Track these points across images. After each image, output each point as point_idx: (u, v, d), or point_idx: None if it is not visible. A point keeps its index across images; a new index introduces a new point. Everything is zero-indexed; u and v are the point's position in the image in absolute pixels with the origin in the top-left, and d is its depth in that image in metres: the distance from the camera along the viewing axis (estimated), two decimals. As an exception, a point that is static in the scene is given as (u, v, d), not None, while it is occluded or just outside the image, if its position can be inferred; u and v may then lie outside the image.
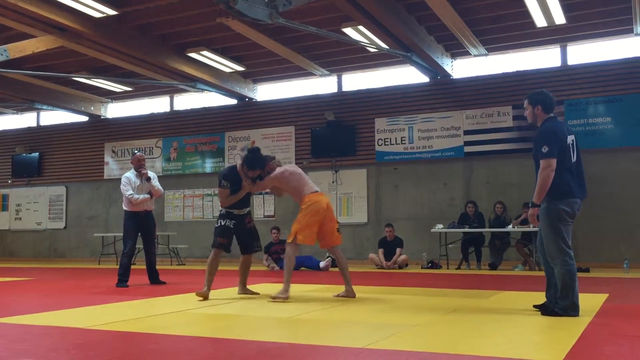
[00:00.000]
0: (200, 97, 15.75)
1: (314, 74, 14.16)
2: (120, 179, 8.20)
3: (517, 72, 12.55)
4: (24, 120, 18.35)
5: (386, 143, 13.31)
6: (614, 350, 3.46)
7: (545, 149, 4.67)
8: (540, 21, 10.62)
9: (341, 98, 14.08)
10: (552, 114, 4.93)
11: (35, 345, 3.68)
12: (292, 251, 6.01)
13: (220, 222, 6.40)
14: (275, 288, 7.31)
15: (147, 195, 7.94)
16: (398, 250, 11.59)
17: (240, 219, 6.47)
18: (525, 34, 11.75)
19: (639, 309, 5.40)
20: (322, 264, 11.31)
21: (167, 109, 16.25)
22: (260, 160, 6.27)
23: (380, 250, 11.77)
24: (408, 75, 13.58)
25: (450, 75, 12.96)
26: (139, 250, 9.00)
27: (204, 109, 15.55)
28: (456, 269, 11.40)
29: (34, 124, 18.03)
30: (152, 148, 15.80)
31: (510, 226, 10.78)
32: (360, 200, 13.54)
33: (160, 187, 8.16)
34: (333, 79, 14.31)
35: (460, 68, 13.16)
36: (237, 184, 6.27)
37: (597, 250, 11.50)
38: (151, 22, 11.41)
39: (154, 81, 14.05)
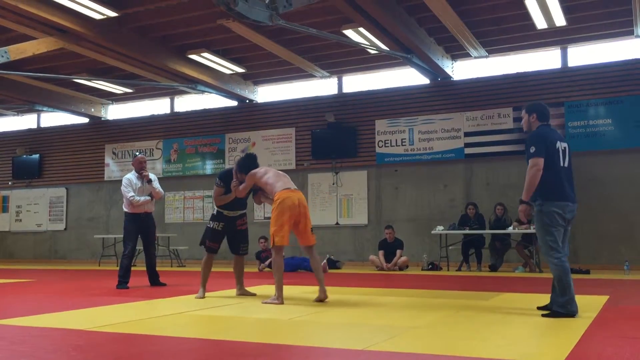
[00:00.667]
0: (201, 98, 15.76)
1: (315, 76, 14.17)
2: (120, 180, 8.20)
3: (518, 73, 12.56)
4: (24, 121, 18.36)
5: (386, 145, 13.31)
6: (614, 352, 3.45)
7: (532, 149, 4.86)
8: (540, 23, 10.63)
9: (341, 100, 14.09)
10: (545, 122, 5.14)
11: (35, 347, 3.68)
12: (277, 257, 5.80)
13: (210, 224, 6.59)
14: (273, 289, 7.30)
15: (148, 197, 7.94)
16: (398, 251, 11.59)
17: (230, 220, 6.53)
18: (525, 36, 11.76)
19: (640, 311, 5.40)
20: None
21: (168, 111, 16.26)
22: (252, 165, 6.29)
23: (381, 252, 11.76)
24: (408, 77, 13.59)
25: (450, 77, 12.96)
26: (139, 252, 9.00)
27: (205, 110, 15.56)
28: (456, 270, 11.39)
29: (35, 126, 18.04)
30: (153, 149, 15.81)
31: (511, 228, 10.77)
32: (361, 201, 13.54)
33: (160, 189, 8.16)
34: (333, 80, 14.32)
35: (461, 70, 13.17)
36: (229, 184, 6.35)
37: (598, 252, 11.50)
38: (152, 24, 11.42)
39: (155, 83, 14.06)
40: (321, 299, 5.89)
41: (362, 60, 13.31)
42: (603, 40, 11.93)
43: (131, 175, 8.03)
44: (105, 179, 16.35)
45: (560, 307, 4.74)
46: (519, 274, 10.53)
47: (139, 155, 8.24)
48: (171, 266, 13.63)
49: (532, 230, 10.59)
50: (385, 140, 13.34)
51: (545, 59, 12.65)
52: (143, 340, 3.96)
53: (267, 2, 6.99)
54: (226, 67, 13.33)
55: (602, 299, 6.00)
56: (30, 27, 10.71)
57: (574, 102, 11.92)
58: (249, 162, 6.33)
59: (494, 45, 12.24)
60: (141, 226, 7.93)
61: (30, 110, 17.41)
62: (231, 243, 6.70)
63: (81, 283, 8.97)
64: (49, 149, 17.34)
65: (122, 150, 16.27)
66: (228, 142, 14.98)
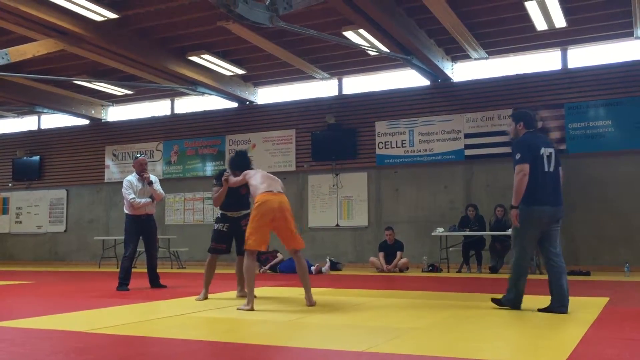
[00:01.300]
0: (201, 100, 15.76)
1: (315, 77, 14.17)
2: (120, 182, 8.20)
3: (518, 75, 12.56)
4: (24, 123, 18.36)
5: (387, 146, 13.31)
6: (615, 353, 3.45)
7: (518, 156, 5.16)
8: (540, 24, 10.63)
9: (342, 101, 14.09)
10: (532, 130, 5.41)
11: (35, 349, 3.68)
12: (249, 260, 5.60)
13: (215, 227, 6.64)
14: (273, 291, 7.31)
15: (149, 199, 7.93)
16: (398, 253, 11.58)
17: (235, 221, 6.56)
18: (525, 37, 11.76)
19: (640, 313, 5.39)
20: (312, 268, 11.22)
21: (168, 112, 16.26)
22: (241, 163, 6.33)
23: (381, 254, 11.76)
24: (408, 78, 13.59)
25: (450, 79, 12.97)
26: (140, 254, 9.00)
27: (205, 112, 15.56)
28: (457, 272, 11.38)
29: (35, 128, 18.05)
30: (153, 151, 15.81)
31: (511, 229, 10.74)
32: (361, 203, 13.53)
33: (161, 191, 8.15)
34: (334, 82, 14.32)
35: (461, 71, 13.18)
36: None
37: (598, 254, 11.49)
38: (152, 26, 11.42)
39: (155, 84, 14.07)
40: (309, 305, 5.72)
41: (362, 62, 13.31)
42: (603, 41, 11.93)
43: (132, 177, 8.03)
44: (106, 180, 16.34)
45: (506, 301, 5.30)
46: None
47: (140, 157, 8.21)
48: (171, 268, 13.62)
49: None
50: (385, 142, 13.34)
51: (545, 61, 12.66)
52: (143, 342, 3.96)
53: (267, 3, 7.00)
54: (226, 68, 13.33)
55: (603, 301, 6.01)
56: (31, 28, 10.72)
57: (574, 103, 11.92)
58: (239, 159, 6.39)
59: (494, 46, 12.24)
60: (142, 228, 7.93)
61: (30, 112, 17.40)
62: (237, 244, 6.67)
63: (81, 285, 8.97)
64: (49, 151, 17.34)
65: (122, 152, 16.27)
66: (228, 144, 14.98)
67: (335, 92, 14.30)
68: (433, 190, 12.93)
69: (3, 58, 10.95)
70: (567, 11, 10.26)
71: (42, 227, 17.14)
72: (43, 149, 17.42)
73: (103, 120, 16.92)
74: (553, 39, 11.77)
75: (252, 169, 6.32)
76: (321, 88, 14.54)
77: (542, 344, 3.81)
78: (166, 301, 6.43)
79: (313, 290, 6.47)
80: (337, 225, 13.68)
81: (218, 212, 6.74)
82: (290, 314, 5.21)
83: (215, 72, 13.54)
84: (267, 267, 11.58)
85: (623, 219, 11.37)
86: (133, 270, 7.95)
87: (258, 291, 7.04)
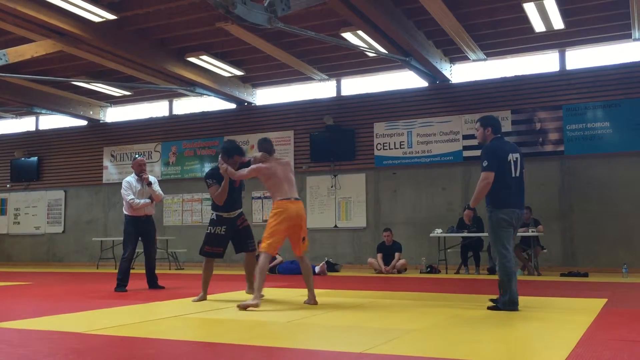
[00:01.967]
0: (199, 101, 15.76)
1: (313, 79, 14.18)
2: (119, 183, 8.20)
3: (516, 77, 12.58)
4: (22, 124, 18.34)
5: (385, 147, 13.32)
6: (613, 355, 3.46)
7: (485, 163, 5.40)
8: (538, 26, 10.64)
9: (340, 102, 14.10)
10: (499, 135, 5.66)
11: (33, 350, 3.67)
12: (263, 260, 5.71)
13: (210, 230, 6.47)
14: (272, 292, 7.31)
15: (148, 200, 7.93)
16: (397, 254, 11.59)
17: (231, 222, 6.48)
18: (523, 39, 11.78)
19: (638, 314, 5.40)
20: (317, 269, 11.28)
21: (166, 113, 16.25)
22: (236, 147, 6.45)
23: (379, 255, 11.77)
24: (407, 79, 13.60)
25: (449, 80, 12.98)
26: (138, 255, 8.99)
27: (203, 113, 15.56)
28: (455, 273, 11.39)
29: (33, 128, 18.03)
30: (151, 152, 15.80)
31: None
32: (359, 204, 13.53)
33: (161, 192, 8.15)
34: (332, 83, 14.32)
35: (459, 73, 13.19)
36: (222, 180, 6.30)
37: (596, 255, 11.51)
38: (150, 27, 11.42)
39: (153, 85, 14.06)
40: (311, 304, 5.88)
41: (360, 63, 13.32)
42: (601, 43, 11.96)
43: (131, 178, 8.02)
44: (104, 181, 16.33)
45: (503, 305, 5.32)
46: (518, 276, 10.50)
47: (139, 158, 8.21)
48: (169, 269, 13.61)
49: (530, 233, 10.63)
50: (383, 143, 13.35)
51: (543, 62, 12.68)
52: (141, 343, 3.96)
53: (265, 5, 7.00)
54: (225, 69, 13.32)
55: (601, 302, 6.01)
56: (29, 29, 10.71)
57: (572, 105, 11.94)
58: (231, 145, 6.52)
59: (493, 48, 12.26)
60: (141, 229, 7.92)
61: (28, 113, 17.38)
62: (236, 243, 6.64)
63: (79, 286, 8.96)
64: (47, 152, 17.32)
65: (120, 153, 16.26)
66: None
67: (334, 94, 14.31)
68: (431, 192, 12.94)
69: (1, 59, 10.93)
70: (565, 13, 10.27)
71: (40, 228, 17.12)
72: (41, 149, 17.41)
73: (101, 121, 16.91)
74: (551, 40, 11.78)
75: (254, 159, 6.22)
76: (320, 89, 14.55)
77: (540, 345, 3.81)
78: (164, 302, 6.43)
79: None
80: (336, 226, 13.69)
81: (211, 214, 6.58)
82: (289, 315, 5.21)
83: (214, 73, 13.54)
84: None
85: (621, 220, 11.39)
86: (131, 271, 7.94)
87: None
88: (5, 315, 5.23)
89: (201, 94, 14.31)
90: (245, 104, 15.03)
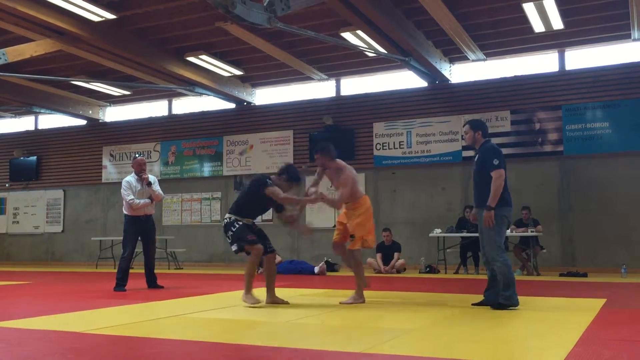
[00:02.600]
0: (199, 101, 15.75)
1: (313, 79, 14.17)
2: (118, 182, 8.19)
3: (515, 77, 12.59)
4: (22, 123, 18.34)
5: (384, 147, 13.32)
6: (612, 354, 3.46)
7: (496, 162, 5.57)
8: (538, 26, 10.65)
9: (339, 102, 14.10)
10: (488, 138, 5.91)
11: (32, 350, 3.67)
12: (359, 257, 6.16)
13: (237, 225, 5.82)
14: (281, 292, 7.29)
15: (148, 200, 7.92)
16: (396, 254, 11.59)
17: (250, 226, 6.08)
18: (523, 39, 11.78)
19: (637, 314, 5.41)
20: (316, 269, 11.32)
21: (166, 113, 16.25)
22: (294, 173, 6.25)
23: (378, 255, 11.77)
24: (406, 79, 13.60)
25: (448, 80, 12.98)
26: (137, 254, 8.99)
27: (202, 113, 15.55)
28: (454, 273, 11.40)
29: (32, 128, 18.02)
30: (150, 152, 15.79)
31: (509, 231, 10.77)
32: (359, 204, 13.51)
33: (160, 191, 8.14)
34: (331, 83, 14.32)
35: (459, 73, 13.19)
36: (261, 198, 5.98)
37: (595, 255, 11.51)
38: (150, 26, 11.42)
39: (153, 85, 14.05)
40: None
41: (360, 63, 13.32)
42: (600, 43, 11.96)
43: (131, 178, 8.01)
44: (103, 181, 16.32)
45: (506, 300, 5.36)
46: (516, 276, 10.47)
47: (139, 157, 8.20)
48: (168, 268, 13.61)
49: (529, 233, 10.64)
50: (383, 143, 13.35)
51: (542, 62, 12.68)
52: (140, 342, 3.95)
53: (265, 4, 7.00)
54: (224, 69, 13.32)
55: (600, 302, 6.01)
56: (28, 29, 10.70)
57: (571, 105, 11.94)
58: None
59: (492, 48, 12.26)
60: (141, 229, 7.91)
61: (27, 112, 17.37)
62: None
63: (78, 285, 8.95)
64: (46, 151, 17.31)
65: (119, 152, 16.25)
66: (226, 145, 14.97)
67: (333, 93, 14.31)
68: (430, 192, 12.94)
69: (0, 58, 10.92)
70: (564, 13, 10.28)
71: (40, 228, 17.11)
72: (40, 149, 17.40)
73: (100, 121, 16.91)
74: (550, 40, 11.79)
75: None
76: (319, 89, 14.55)
77: (540, 344, 3.81)
78: (163, 302, 6.42)
79: (309, 292, 6.50)
80: (334, 226, 13.64)
81: (229, 218, 5.92)
82: (288, 315, 5.20)
83: (213, 73, 13.53)
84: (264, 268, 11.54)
85: (620, 220, 11.39)
86: (130, 270, 7.93)
87: (256, 292, 7.03)
88: (4, 315, 5.23)
89: (200, 94, 14.30)
90: (245, 103, 15.03)
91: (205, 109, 15.60)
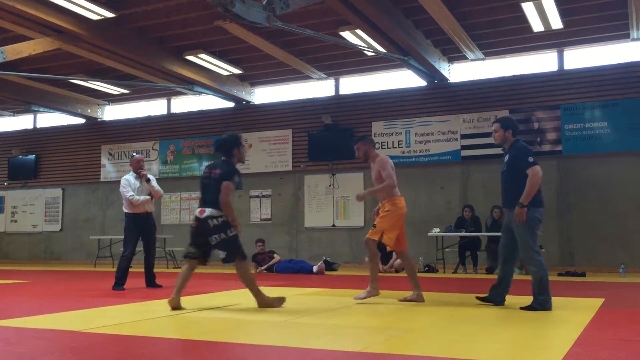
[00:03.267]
0: (198, 100, 15.74)
1: (312, 77, 14.17)
2: (116, 181, 8.20)
3: (514, 76, 12.59)
4: (20, 122, 18.32)
5: (383, 147, 13.31)
6: (610, 354, 3.46)
7: (531, 159, 5.37)
8: (537, 26, 10.65)
9: (338, 101, 14.09)
10: (517, 137, 5.69)
11: (30, 349, 3.67)
12: (374, 248, 6.09)
13: (232, 231, 5.46)
14: (270, 291, 7.29)
15: (148, 197, 7.93)
16: (394, 254, 11.58)
17: (201, 221, 5.55)
18: (522, 39, 11.78)
19: (635, 314, 5.41)
20: (315, 268, 11.31)
21: (164, 112, 16.24)
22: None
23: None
24: (405, 79, 13.60)
25: (447, 79, 12.98)
26: (137, 253, 8.98)
27: (201, 111, 15.55)
28: (453, 272, 11.40)
29: (31, 126, 18.00)
30: (149, 151, 15.78)
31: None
32: (357, 203, 13.46)
33: (159, 188, 8.17)
34: (330, 82, 14.32)
35: (457, 72, 13.20)
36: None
37: (593, 255, 11.52)
38: (149, 25, 11.41)
39: (151, 84, 14.04)
40: (419, 300, 6.07)
41: (359, 62, 13.31)
42: (599, 43, 11.97)
43: (129, 176, 8.02)
44: (102, 179, 16.31)
45: (539, 304, 5.24)
46: (515, 276, 10.51)
47: (137, 155, 8.23)
48: (167, 267, 13.60)
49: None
50: (381, 142, 13.34)
51: (541, 62, 12.69)
52: (139, 341, 3.95)
53: (264, 3, 6.99)
54: (223, 68, 13.31)
55: (598, 302, 6.02)
56: (27, 27, 10.69)
57: (570, 104, 11.94)
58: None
59: (491, 47, 12.26)
60: (142, 227, 7.91)
61: (26, 111, 17.37)
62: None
63: (77, 284, 8.95)
64: (45, 150, 17.30)
65: (118, 151, 16.24)
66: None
67: (332, 92, 14.31)
68: (429, 191, 12.94)
69: (-1, 56, 10.92)
70: (563, 13, 10.28)
71: (38, 226, 17.10)
72: (39, 147, 17.38)
73: (99, 119, 16.90)
74: (549, 40, 11.79)
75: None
76: (318, 88, 14.54)
77: (538, 344, 3.82)
78: (162, 301, 6.40)
79: (307, 291, 6.50)
80: (334, 225, 13.68)
81: (219, 216, 5.47)
82: (286, 314, 5.20)
83: (212, 72, 13.53)
84: (264, 267, 11.57)
85: (618, 220, 11.40)
86: (129, 270, 7.92)
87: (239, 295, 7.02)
88: (2, 314, 5.22)
89: (199, 93, 14.30)
90: (244, 102, 15.02)
91: (204, 108, 15.60)
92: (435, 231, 11.57)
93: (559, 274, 10.65)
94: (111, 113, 17.08)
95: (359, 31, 10.65)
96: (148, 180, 7.98)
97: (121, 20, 11.01)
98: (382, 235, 6.00)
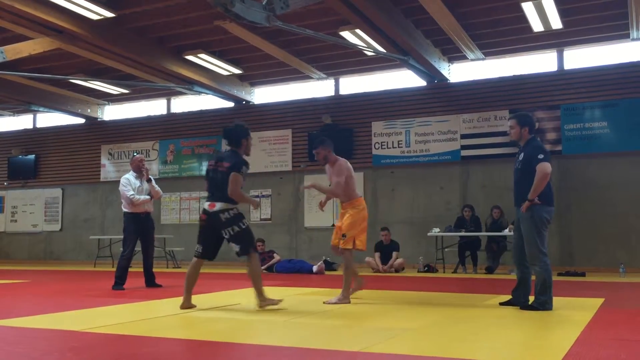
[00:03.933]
0: (197, 99, 15.74)
1: (311, 77, 14.17)
2: (116, 181, 8.20)
3: (514, 76, 12.59)
4: (20, 122, 18.31)
5: (383, 147, 13.32)
6: (610, 354, 3.46)
7: (541, 156, 5.30)
8: (537, 26, 10.65)
9: (338, 101, 14.09)
10: (533, 135, 5.61)
11: (30, 348, 3.67)
12: (350, 257, 5.98)
13: (244, 223, 5.44)
14: (270, 291, 7.30)
15: (148, 197, 7.94)
16: (394, 254, 11.59)
17: (211, 215, 5.49)
18: (522, 39, 11.78)
19: (635, 313, 5.41)
20: (315, 268, 11.33)
21: (164, 112, 16.23)
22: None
23: (377, 254, 11.77)
24: (405, 79, 13.60)
25: (447, 79, 12.98)
26: (136, 253, 8.98)
27: (201, 111, 15.54)
28: (452, 272, 11.40)
29: (31, 126, 18.00)
30: (149, 150, 15.78)
31: (507, 230, 10.79)
32: (357, 203, 13.51)
33: (159, 189, 8.19)
34: (330, 82, 14.32)
35: (457, 72, 13.19)
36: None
37: (593, 255, 11.52)
38: (148, 25, 11.40)
39: (151, 84, 14.04)
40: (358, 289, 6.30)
41: (358, 62, 13.31)
42: (599, 43, 11.96)
43: (129, 176, 8.03)
44: (102, 179, 16.31)
45: (540, 304, 5.23)
46: (515, 276, 10.52)
47: (138, 155, 8.25)
48: (167, 267, 13.60)
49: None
50: (381, 142, 13.35)
51: (541, 62, 12.69)
52: (139, 341, 3.95)
53: (264, 3, 6.99)
54: (223, 68, 13.31)
55: (598, 302, 6.02)
56: (27, 27, 10.68)
57: (570, 104, 11.94)
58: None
59: (491, 47, 12.26)
60: (141, 226, 7.92)
61: (26, 111, 17.37)
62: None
63: (77, 284, 8.95)
64: (44, 150, 17.30)
65: (118, 151, 16.24)
66: (224, 144, 14.87)
67: (332, 92, 14.30)
68: (429, 191, 12.94)
69: (-1, 56, 10.92)
70: (563, 12, 10.28)
71: (38, 226, 17.09)
72: (39, 147, 17.38)
73: (99, 119, 16.89)
74: (549, 40, 11.79)
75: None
76: (318, 88, 14.54)
77: (537, 344, 3.82)
78: (161, 300, 6.42)
79: (307, 290, 6.51)
80: (333, 225, 13.57)
81: (231, 209, 5.42)
82: (286, 314, 5.20)
83: (212, 72, 13.52)
84: (264, 267, 11.55)
85: (618, 220, 11.40)
86: (129, 269, 7.92)
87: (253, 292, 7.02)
88: (2, 314, 5.22)
89: (199, 93, 14.30)
90: (244, 102, 15.02)
91: (203, 108, 15.59)
92: (435, 231, 11.57)
93: (559, 274, 10.64)
94: (111, 113, 17.08)
95: (358, 31, 10.65)
96: (150, 179, 7.99)
97: (121, 20, 11.00)
98: (355, 241, 6.00)
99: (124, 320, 4.81)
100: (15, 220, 17.45)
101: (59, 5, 9.92)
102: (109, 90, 15.22)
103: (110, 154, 16.34)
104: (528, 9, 9.87)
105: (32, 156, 17.30)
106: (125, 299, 6.45)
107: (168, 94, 15.88)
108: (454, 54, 12.68)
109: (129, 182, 7.91)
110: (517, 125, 5.55)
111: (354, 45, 11.18)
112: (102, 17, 10.46)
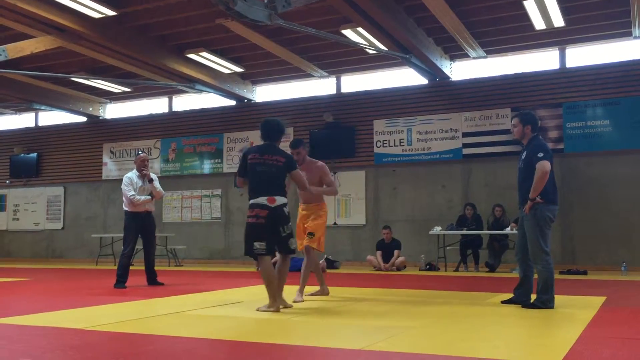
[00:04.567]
0: (199, 98, 15.75)
1: (313, 76, 14.16)
2: (118, 179, 8.20)
3: (516, 74, 12.57)
4: (22, 120, 18.34)
5: (385, 145, 13.31)
6: (612, 353, 3.46)
7: (540, 155, 5.31)
8: (539, 24, 10.64)
9: (340, 100, 14.08)
10: (536, 133, 5.61)
11: (32, 346, 3.67)
12: (315, 256, 6.18)
13: (248, 220, 5.22)
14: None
15: (149, 197, 7.93)
16: (396, 252, 11.59)
17: (274, 210, 5.21)
18: (524, 37, 11.76)
19: (637, 312, 5.40)
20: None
21: (166, 110, 16.24)
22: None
23: (378, 252, 11.76)
24: (407, 77, 13.59)
25: (449, 77, 12.97)
26: (138, 251, 9.00)
27: (203, 110, 15.55)
28: (454, 271, 11.40)
29: (33, 124, 18.02)
30: (151, 149, 15.79)
31: (509, 228, 10.78)
32: (359, 202, 13.53)
33: (161, 189, 8.17)
34: (332, 80, 14.31)
35: (459, 70, 13.18)
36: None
37: (595, 253, 11.51)
38: (150, 23, 11.41)
39: (153, 82, 14.05)
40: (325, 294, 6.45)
41: (360, 60, 13.30)
42: (601, 41, 11.94)
43: (132, 174, 8.01)
44: (103, 178, 16.32)
45: (542, 303, 5.24)
46: (517, 274, 10.51)
47: (142, 154, 8.21)
48: (169, 265, 13.62)
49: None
50: (383, 141, 13.34)
51: (543, 60, 12.67)
52: (140, 339, 3.95)
53: (266, 1, 6.99)
54: (224, 66, 13.32)
55: (599, 300, 6.01)
56: (29, 25, 10.69)
57: (572, 103, 11.93)
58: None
59: (493, 45, 12.24)
60: (142, 225, 7.92)
61: (28, 109, 17.39)
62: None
63: (78, 282, 8.96)
64: (46, 148, 17.31)
65: (120, 149, 16.25)
66: (226, 142, 14.96)
67: (334, 91, 14.30)
68: (431, 189, 12.93)
69: (1, 55, 10.92)
70: (565, 10, 10.27)
71: (40, 224, 17.11)
72: (41, 146, 17.39)
73: (101, 118, 16.91)
74: (551, 38, 11.77)
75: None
76: (319, 86, 14.54)
77: (539, 342, 3.81)
78: (163, 299, 6.42)
79: (308, 289, 6.50)
80: (335, 223, 13.68)
81: (285, 202, 5.34)
82: (288, 312, 5.20)
83: (214, 70, 13.53)
84: None
85: (620, 218, 11.39)
86: (130, 267, 7.93)
87: (255, 290, 7.03)
88: (4, 311, 5.23)
89: (201, 91, 14.31)
90: (245, 100, 15.02)
91: (205, 106, 15.60)
92: (437, 229, 11.57)
93: (561, 272, 10.63)
94: (113, 111, 17.09)
95: (360, 29, 10.64)
96: (151, 180, 7.97)
97: (123, 19, 11.01)
98: (319, 241, 6.20)
99: (125, 319, 4.81)
100: (18, 219, 17.47)
101: (60, 4, 9.93)
102: (111, 88, 15.23)
103: (112, 152, 16.35)
104: (530, 6, 9.86)
105: (34, 154, 17.32)
106: (127, 297, 6.46)
107: (170, 92, 15.89)
108: (456, 52, 12.67)
109: (130, 182, 7.90)
110: (519, 123, 5.57)
111: (356, 44, 11.17)
112: (104, 15, 10.46)
